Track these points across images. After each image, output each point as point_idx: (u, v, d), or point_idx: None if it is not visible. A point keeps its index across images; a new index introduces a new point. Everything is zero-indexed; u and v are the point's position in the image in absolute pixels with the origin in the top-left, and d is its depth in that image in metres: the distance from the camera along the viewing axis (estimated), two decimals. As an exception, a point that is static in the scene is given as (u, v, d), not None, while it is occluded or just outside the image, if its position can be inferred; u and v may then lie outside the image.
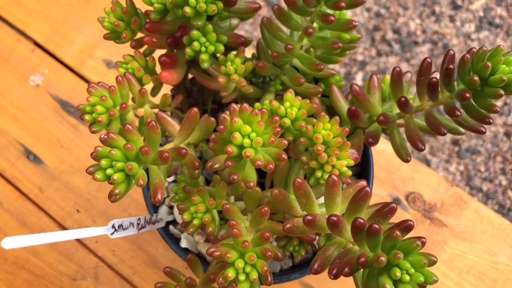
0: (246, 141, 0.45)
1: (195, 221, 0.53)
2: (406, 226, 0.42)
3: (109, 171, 0.44)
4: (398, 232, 0.40)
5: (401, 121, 0.60)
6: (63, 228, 0.89)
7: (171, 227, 0.67)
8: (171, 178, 0.68)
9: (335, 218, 0.44)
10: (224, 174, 0.57)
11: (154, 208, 0.67)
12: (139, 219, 0.54)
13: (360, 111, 0.57)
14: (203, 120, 0.57)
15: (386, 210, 0.45)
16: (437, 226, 0.87)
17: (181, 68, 0.61)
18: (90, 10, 1.02)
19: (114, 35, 0.58)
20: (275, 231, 0.54)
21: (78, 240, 0.88)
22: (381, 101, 0.61)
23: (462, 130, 0.55)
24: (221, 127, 0.46)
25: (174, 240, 0.65)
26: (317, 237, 0.61)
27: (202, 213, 0.53)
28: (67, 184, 0.91)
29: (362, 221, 0.42)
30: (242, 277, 0.46)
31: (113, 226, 0.48)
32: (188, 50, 0.55)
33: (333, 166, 0.54)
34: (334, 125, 0.54)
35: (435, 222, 0.87)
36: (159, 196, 0.48)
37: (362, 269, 0.44)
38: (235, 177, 0.48)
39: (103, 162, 0.44)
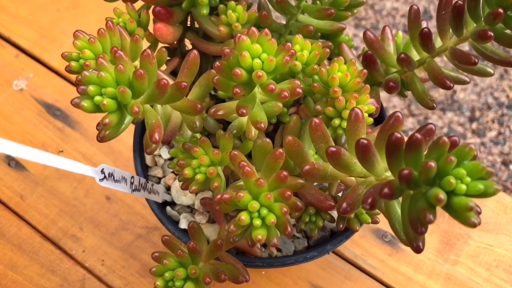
0: (257, 61, 0.39)
1: (198, 176, 0.46)
2: (451, 142, 0.36)
3: (98, 98, 0.38)
4: (445, 139, 0.33)
5: (420, 73, 0.55)
6: (46, 238, 0.80)
7: (168, 208, 0.59)
8: (167, 155, 0.61)
9: (365, 141, 0.37)
10: (230, 128, 0.50)
11: (148, 189, 0.59)
12: (132, 177, 0.47)
13: (376, 58, 0.52)
14: (204, 75, 0.51)
15: (423, 132, 0.38)
16: (458, 219, 0.80)
17: (177, 26, 0.56)
18: (79, 14, 0.98)
19: (104, -12, 0.54)
20: (291, 185, 0.46)
21: (63, 251, 0.79)
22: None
23: (491, 70, 0.50)
24: (227, 50, 0.40)
25: (172, 222, 0.57)
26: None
27: (206, 166, 0.46)
28: (51, 190, 0.83)
29: (399, 135, 0.35)
30: (257, 221, 0.38)
31: (102, 171, 0.41)
32: (185, -8, 0.50)
33: (352, 112, 0.48)
34: (351, 67, 0.48)
35: (456, 214, 0.80)
36: (156, 136, 0.41)
37: (401, 199, 0.37)
38: (244, 111, 0.42)
39: (91, 88, 0.38)
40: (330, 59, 0.62)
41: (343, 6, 0.57)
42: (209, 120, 0.57)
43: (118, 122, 0.39)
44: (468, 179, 0.32)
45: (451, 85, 0.47)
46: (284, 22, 0.60)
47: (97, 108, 0.38)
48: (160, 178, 0.61)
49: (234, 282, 0.47)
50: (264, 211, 0.38)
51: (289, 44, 0.41)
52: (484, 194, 0.32)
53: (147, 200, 0.57)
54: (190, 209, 0.59)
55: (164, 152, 0.61)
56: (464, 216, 0.32)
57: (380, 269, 0.76)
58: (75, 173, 0.83)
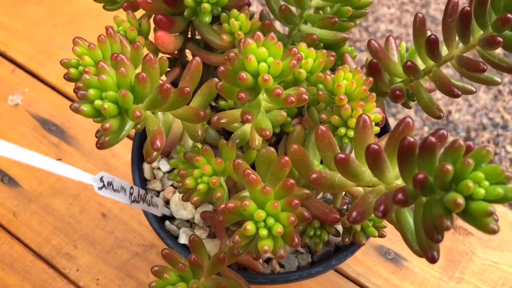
0: (263, 65, 0.38)
1: (201, 186, 0.44)
2: (466, 146, 0.34)
3: (98, 102, 0.36)
4: (461, 142, 0.32)
5: (425, 84, 0.54)
6: (39, 256, 0.77)
7: (167, 222, 0.57)
8: (167, 167, 0.59)
9: (376, 146, 0.36)
10: (233, 138, 0.49)
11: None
12: (132, 187, 0.45)
13: (381, 66, 0.51)
14: (206, 83, 0.50)
15: (435, 137, 0.37)
16: (462, 235, 0.78)
17: (178, 36, 0.55)
18: (77, 30, 0.98)
19: (104, -3, 0.53)
20: (297, 196, 0.45)
21: (56, 270, 0.76)
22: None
23: (498, 79, 0.49)
24: (232, 54, 0.39)
25: (170, 237, 0.55)
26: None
27: (208, 176, 0.44)
28: (45, 207, 0.80)
29: (412, 139, 0.34)
30: (263, 231, 0.37)
31: (101, 179, 0.39)
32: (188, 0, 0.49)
33: (358, 121, 0.46)
34: (357, 74, 0.47)
35: (459, 230, 0.78)
36: (158, 143, 0.39)
37: (414, 207, 0.36)
38: (249, 117, 0.40)
39: (91, 92, 0.37)
40: (332, 70, 0.61)
41: (346, 16, 0.56)
42: (210, 131, 0.56)
43: (118, 128, 0.37)
44: (486, 183, 0.30)
45: (459, 93, 0.46)
46: (286, 33, 0.59)
47: (97, 113, 0.37)
48: (158, 192, 0.59)
49: (237, 298, 0.45)
50: (271, 221, 0.37)
51: (295, 49, 0.40)
52: (503, 199, 0.30)
53: (145, 214, 0.55)
54: (190, 223, 0.57)
55: (163, 165, 0.59)
56: (483, 223, 0.30)
57: (384, 288, 0.74)
58: (70, 190, 0.81)
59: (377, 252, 0.77)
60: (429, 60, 0.51)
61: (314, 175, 0.40)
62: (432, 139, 0.32)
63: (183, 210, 0.56)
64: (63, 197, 0.81)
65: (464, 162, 0.30)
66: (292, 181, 0.39)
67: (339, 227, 0.55)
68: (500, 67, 0.47)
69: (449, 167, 0.30)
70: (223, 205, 0.38)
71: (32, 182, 0.83)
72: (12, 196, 0.81)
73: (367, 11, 0.57)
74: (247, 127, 0.50)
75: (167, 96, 0.39)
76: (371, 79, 0.47)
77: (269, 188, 0.37)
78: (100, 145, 0.38)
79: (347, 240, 0.51)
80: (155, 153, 0.43)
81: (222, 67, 0.40)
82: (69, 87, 0.91)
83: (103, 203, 0.81)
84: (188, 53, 0.61)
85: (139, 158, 0.59)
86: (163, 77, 0.57)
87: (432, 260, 0.34)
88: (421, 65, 0.52)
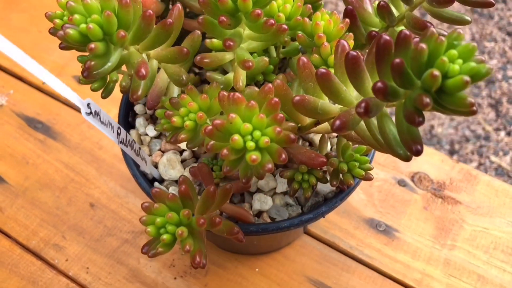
0: (242, -12, 0.40)
1: (187, 122, 0.44)
2: (438, 43, 0.36)
3: (83, 25, 0.37)
4: (434, 30, 0.33)
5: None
6: (26, 249, 0.76)
7: (156, 184, 0.57)
8: (153, 133, 0.60)
9: (354, 53, 0.37)
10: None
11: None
12: (119, 128, 0.45)
13: (356, 13, 0.53)
14: (189, 36, 0.51)
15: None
16: (450, 204, 0.79)
17: (160, 2, 0.57)
18: (60, 34, 0.99)
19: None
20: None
21: (45, 261, 0.75)
22: (376, 19, 0.57)
23: (468, 18, 0.51)
24: (212, -17, 0.41)
25: (160, 196, 0.54)
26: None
27: (194, 113, 0.45)
28: (32, 201, 0.80)
29: (388, 38, 0.35)
30: (250, 143, 0.37)
31: (88, 106, 0.40)
32: (167, -44, 0.51)
33: (337, 59, 0.48)
34: (333, 16, 0.49)
35: (448, 200, 0.79)
36: (143, 71, 0.40)
37: (395, 110, 0.37)
38: (231, 43, 0.42)
39: (77, 17, 0.38)
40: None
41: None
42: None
43: (104, 53, 0.38)
44: (460, 60, 0.32)
45: (432, 26, 0.48)
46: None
47: (83, 38, 0.38)
48: (146, 157, 0.60)
49: (228, 235, 0.45)
50: (257, 133, 0.37)
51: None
52: (478, 75, 0.31)
53: (134, 176, 0.55)
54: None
55: (150, 130, 0.60)
56: (460, 98, 0.31)
57: (378, 259, 0.74)
58: (57, 182, 0.81)
59: (368, 225, 0.77)
60: (401, 6, 0.53)
61: (297, 97, 0.41)
62: (406, 32, 0.34)
63: (171, 170, 0.56)
64: (50, 190, 0.81)
65: (437, 41, 0.32)
66: (276, 99, 0.40)
67: (327, 177, 0.55)
68: (469, 3, 0.49)
69: (423, 45, 0.32)
70: (210, 127, 0.39)
71: (19, 178, 0.82)
72: (-2, 192, 0.80)
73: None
74: (230, 75, 0.51)
75: (149, 23, 0.40)
76: (347, 20, 0.49)
77: (254, 103, 0.38)
78: (87, 71, 0.38)
79: (335, 183, 0.52)
80: (140, 89, 0.44)
81: (202, -2, 0.42)
82: (54, 87, 0.92)
83: (91, 193, 0.80)
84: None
85: (125, 125, 0.60)
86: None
87: (417, 152, 0.35)
88: (395, 13, 0.54)
